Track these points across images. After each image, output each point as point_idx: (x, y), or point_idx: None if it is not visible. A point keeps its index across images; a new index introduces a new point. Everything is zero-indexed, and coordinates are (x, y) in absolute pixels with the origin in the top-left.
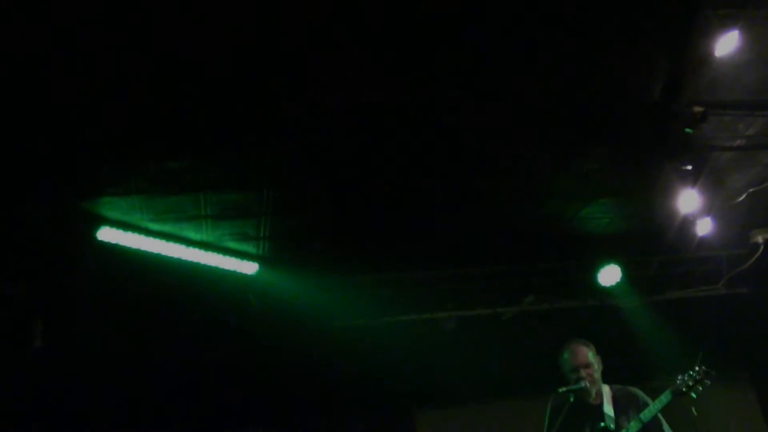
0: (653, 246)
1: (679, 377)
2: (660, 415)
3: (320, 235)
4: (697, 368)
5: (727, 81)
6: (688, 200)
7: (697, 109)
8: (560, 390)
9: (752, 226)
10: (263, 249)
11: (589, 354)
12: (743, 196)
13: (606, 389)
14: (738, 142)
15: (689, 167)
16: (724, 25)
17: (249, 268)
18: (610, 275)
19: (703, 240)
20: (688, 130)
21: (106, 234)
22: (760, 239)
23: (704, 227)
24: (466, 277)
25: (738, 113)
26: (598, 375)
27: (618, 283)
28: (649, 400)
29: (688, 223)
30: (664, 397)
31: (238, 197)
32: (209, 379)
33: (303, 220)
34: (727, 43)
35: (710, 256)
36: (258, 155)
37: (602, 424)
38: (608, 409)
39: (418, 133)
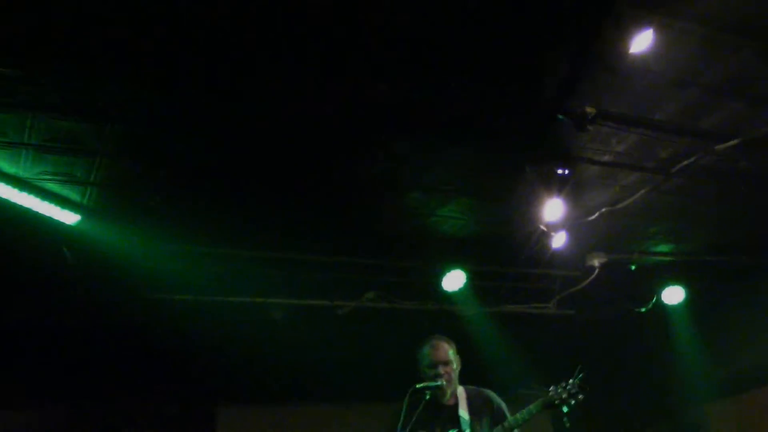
0: (504, 255)
1: (552, 389)
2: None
3: (160, 190)
4: (572, 381)
5: (615, 90)
6: (551, 210)
7: (590, 109)
8: (418, 386)
9: (594, 247)
10: (89, 197)
11: (449, 351)
12: (595, 215)
13: (461, 390)
14: (606, 158)
15: (564, 171)
16: (637, 23)
17: (69, 217)
18: (454, 280)
19: (554, 254)
20: (560, 117)
21: None
22: (596, 263)
23: (559, 241)
24: (305, 264)
25: (616, 126)
26: (455, 375)
27: (461, 290)
28: (502, 403)
29: (543, 235)
30: (534, 408)
31: (72, 127)
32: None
33: (144, 170)
34: (637, 43)
35: (546, 274)
36: (109, 78)
37: (458, 429)
38: (463, 412)
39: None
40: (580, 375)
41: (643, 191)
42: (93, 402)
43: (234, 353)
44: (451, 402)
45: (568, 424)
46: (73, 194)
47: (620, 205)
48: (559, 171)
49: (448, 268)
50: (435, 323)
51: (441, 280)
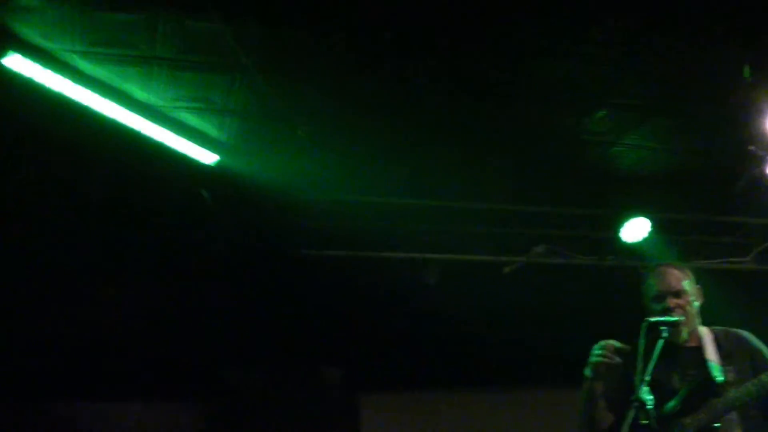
0: (699, 198)
1: None
2: None
3: (312, 118)
4: None
5: None
6: None
7: None
8: (651, 319)
9: None
10: (228, 130)
11: (683, 280)
12: None
13: (704, 331)
14: None
15: None
16: None
17: (207, 156)
18: (636, 230)
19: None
20: None
21: (16, 62)
22: None
23: None
24: (467, 215)
25: None
26: (694, 310)
27: (645, 241)
28: (764, 347)
29: (757, 164)
30: None
31: (205, 28)
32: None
33: (298, 85)
34: None
35: (744, 222)
36: None
37: (706, 376)
38: (712, 354)
39: None
40: None
41: None
42: None
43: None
44: (692, 344)
45: None
46: (210, 128)
47: None
48: None
49: (629, 215)
50: (614, 282)
51: (620, 230)
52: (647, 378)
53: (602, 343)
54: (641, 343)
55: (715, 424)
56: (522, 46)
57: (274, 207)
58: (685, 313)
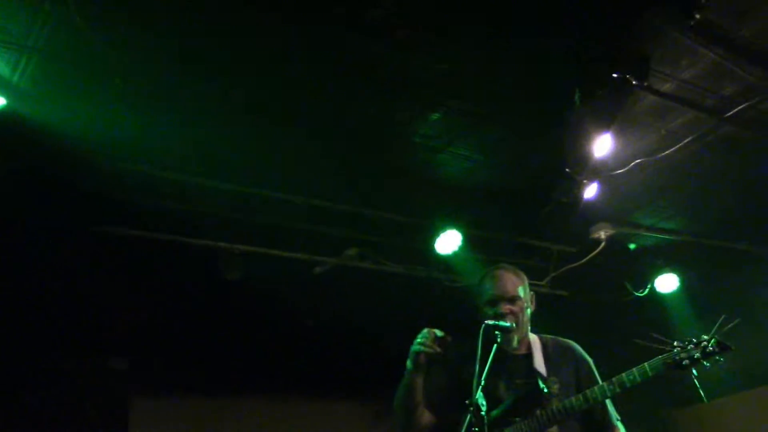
0: (515, 214)
1: (678, 344)
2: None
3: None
4: (707, 337)
5: None
6: (599, 147)
7: None
8: (489, 322)
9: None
10: (23, 71)
11: (519, 286)
12: (630, 166)
13: (534, 338)
14: (667, 87)
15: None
16: None
17: None
18: (449, 242)
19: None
20: None
21: None
22: (602, 235)
23: (591, 192)
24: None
25: (693, 42)
26: (526, 317)
27: (455, 254)
28: (589, 360)
29: (574, 184)
30: (650, 368)
31: None
32: None
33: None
34: None
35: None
36: None
37: (532, 385)
38: (539, 365)
39: None
40: (728, 325)
41: (688, 139)
42: None
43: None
44: (522, 351)
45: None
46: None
47: (658, 156)
48: (635, 83)
49: (444, 226)
50: (426, 292)
51: (435, 240)
52: (483, 383)
53: (424, 331)
54: (479, 345)
55: None
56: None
57: (66, 171)
58: (517, 320)
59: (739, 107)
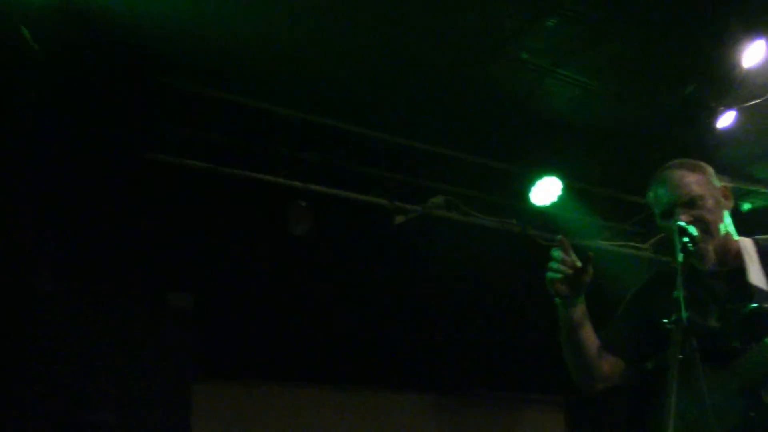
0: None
1: None
2: None
3: None
4: None
5: None
6: (752, 55)
7: None
8: (680, 222)
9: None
10: None
11: (698, 182)
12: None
13: (746, 244)
14: None
15: None
16: None
17: None
18: (546, 191)
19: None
20: None
21: None
22: None
23: (727, 119)
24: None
25: None
26: (720, 220)
27: (554, 205)
28: None
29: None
30: None
31: None
32: None
33: None
34: None
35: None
36: None
37: (746, 304)
38: (757, 277)
39: None
40: None
41: None
42: None
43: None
44: (728, 266)
45: None
46: None
47: None
48: None
49: (542, 172)
50: (520, 249)
51: (530, 190)
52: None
53: (555, 252)
54: (677, 248)
55: None
56: None
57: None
58: (707, 226)
59: None
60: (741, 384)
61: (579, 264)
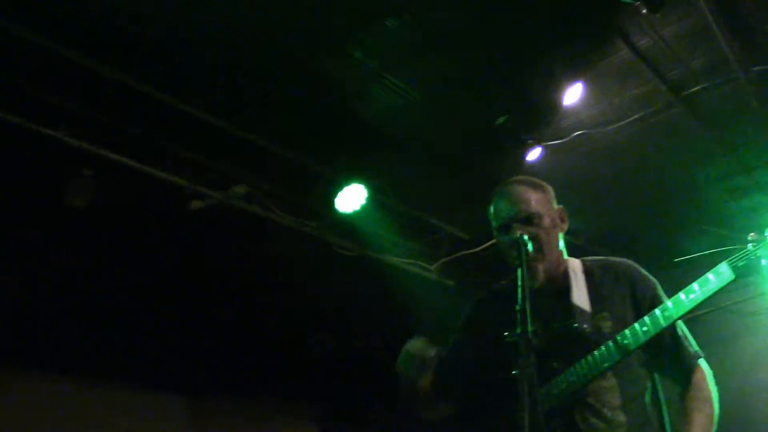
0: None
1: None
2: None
3: None
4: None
5: None
6: (569, 95)
7: None
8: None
9: None
10: None
11: (537, 201)
12: (571, 137)
13: (575, 265)
14: (644, 42)
15: None
16: None
17: None
18: (351, 198)
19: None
20: None
21: None
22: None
23: (534, 155)
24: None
25: None
26: (551, 238)
27: (356, 214)
28: (651, 279)
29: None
30: (717, 277)
31: None
32: None
33: None
34: None
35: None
36: None
37: (568, 324)
38: (580, 297)
39: None
40: None
41: (635, 117)
42: None
43: None
44: (556, 285)
45: None
46: None
47: (602, 129)
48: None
49: (350, 178)
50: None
51: (336, 195)
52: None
53: (412, 346)
54: (522, 260)
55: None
56: None
57: None
58: (539, 244)
59: (702, 85)
60: (554, 406)
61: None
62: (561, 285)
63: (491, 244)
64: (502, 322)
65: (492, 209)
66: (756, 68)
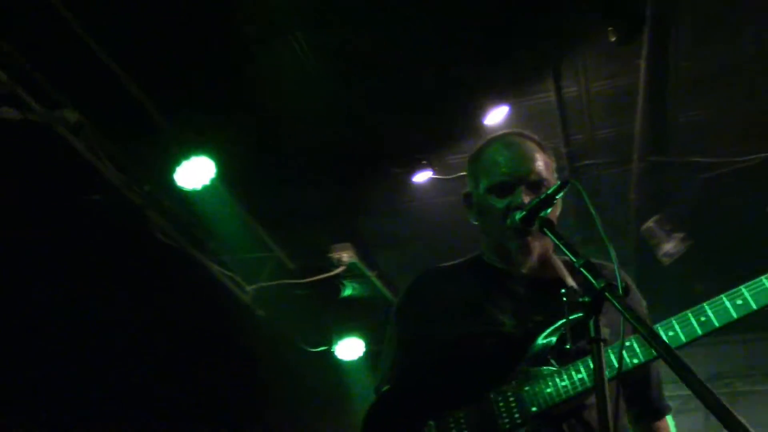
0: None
1: None
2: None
3: None
4: None
5: None
6: (493, 117)
7: None
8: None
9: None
10: None
11: (547, 165)
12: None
13: (557, 259)
14: (572, 91)
15: None
16: None
17: None
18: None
19: None
20: None
21: None
22: (344, 258)
23: (423, 176)
24: None
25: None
26: (554, 217)
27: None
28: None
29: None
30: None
31: None
32: None
33: None
34: None
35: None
36: None
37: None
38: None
39: None
40: None
41: None
42: None
43: None
44: (546, 273)
45: None
46: None
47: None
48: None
49: (197, 149)
50: None
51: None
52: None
53: None
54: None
55: None
56: None
57: None
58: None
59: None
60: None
61: None
62: (553, 273)
63: (317, 281)
64: (452, 301)
65: (485, 161)
66: (652, 158)
